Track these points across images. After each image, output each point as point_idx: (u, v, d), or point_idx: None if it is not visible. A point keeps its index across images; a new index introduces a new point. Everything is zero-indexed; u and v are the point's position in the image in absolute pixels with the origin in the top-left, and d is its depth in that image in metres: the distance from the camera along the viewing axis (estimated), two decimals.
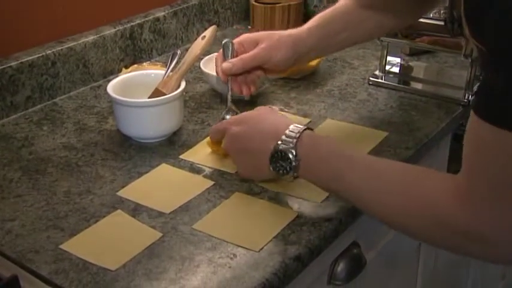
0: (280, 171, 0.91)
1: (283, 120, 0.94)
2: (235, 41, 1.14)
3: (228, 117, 1.12)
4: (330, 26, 1.13)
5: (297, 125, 0.92)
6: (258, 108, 1.01)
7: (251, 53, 1.10)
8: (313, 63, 1.39)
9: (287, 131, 0.90)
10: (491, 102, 0.69)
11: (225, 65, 1.11)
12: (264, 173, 0.95)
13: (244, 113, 1.00)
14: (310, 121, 1.21)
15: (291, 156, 0.89)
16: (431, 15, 1.28)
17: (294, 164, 0.89)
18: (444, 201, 0.76)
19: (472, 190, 0.73)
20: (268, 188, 1.00)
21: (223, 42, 1.14)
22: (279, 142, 0.90)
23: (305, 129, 0.90)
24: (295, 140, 0.89)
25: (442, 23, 1.20)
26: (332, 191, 0.92)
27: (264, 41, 1.11)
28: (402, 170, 0.85)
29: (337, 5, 1.16)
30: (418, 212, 0.79)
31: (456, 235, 0.76)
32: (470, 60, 1.26)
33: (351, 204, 0.90)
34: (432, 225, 0.78)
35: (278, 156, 0.90)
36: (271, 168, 0.92)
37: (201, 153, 1.10)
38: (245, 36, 1.14)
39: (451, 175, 0.79)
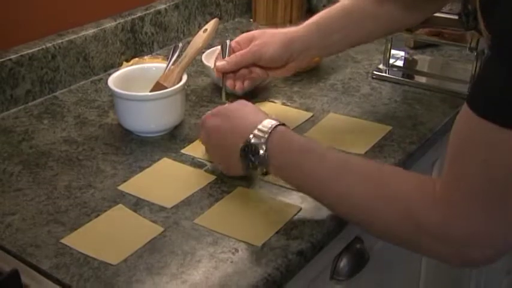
0: (250, 165, 0.91)
1: (259, 115, 0.93)
2: (234, 41, 1.15)
3: None
4: (329, 24, 1.12)
5: (271, 120, 0.91)
6: (239, 101, 1.00)
7: (244, 50, 1.11)
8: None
9: (260, 126, 0.90)
10: (485, 95, 0.69)
11: (219, 63, 1.11)
12: (237, 168, 0.95)
13: (222, 106, 1.00)
14: (313, 115, 1.21)
15: (261, 150, 0.89)
16: None
17: (263, 158, 0.89)
18: (417, 195, 0.75)
19: (451, 185, 0.73)
20: (271, 182, 1.01)
21: (222, 43, 1.15)
22: (251, 136, 0.90)
23: (278, 125, 0.90)
24: (266, 135, 0.89)
25: (455, 16, 1.20)
26: (301, 188, 0.91)
27: (258, 38, 1.11)
28: (377, 167, 0.85)
29: (340, 3, 1.15)
30: (387, 205, 0.78)
31: (422, 233, 0.75)
32: (475, 54, 1.26)
33: (322, 205, 0.89)
34: (399, 220, 0.77)
35: (248, 150, 0.90)
36: (240, 162, 0.92)
37: (200, 146, 1.11)
38: (242, 35, 1.15)
39: (430, 177, 0.78)
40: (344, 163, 0.85)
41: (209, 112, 1.01)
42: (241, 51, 1.11)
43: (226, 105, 1.01)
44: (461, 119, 0.73)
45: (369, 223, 0.83)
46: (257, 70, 1.13)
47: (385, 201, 0.78)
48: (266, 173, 0.92)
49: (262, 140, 0.89)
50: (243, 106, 0.98)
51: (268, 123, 0.90)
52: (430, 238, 0.75)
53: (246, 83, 1.14)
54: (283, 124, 0.91)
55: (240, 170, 0.94)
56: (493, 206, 0.70)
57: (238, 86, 1.13)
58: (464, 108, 0.71)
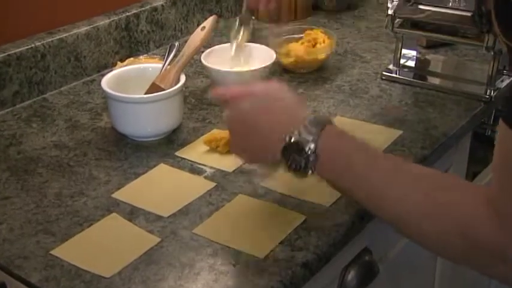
0: (293, 166, 0.84)
1: (304, 108, 0.90)
2: None
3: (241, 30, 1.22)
4: None
5: (319, 116, 0.87)
6: (278, 84, 0.92)
7: None
8: (322, 56, 1.39)
9: (307, 122, 0.84)
10: None
11: None
12: (266, 159, 0.89)
13: (259, 87, 0.92)
14: None
15: (307, 148, 0.83)
16: (450, 4, 1.28)
17: (311, 159, 0.83)
18: (471, 210, 0.74)
19: (502, 204, 0.71)
20: (274, 189, 1.01)
21: None
22: (296, 132, 0.83)
23: (327, 122, 0.86)
24: (315, 132, 0.83)
25: (468, 13, 1.21)
26: (349, 192, 0.86)
27: None
28: (432, 175, 0.83)
29: None
30: (441, 218, 0.76)
31: (478, 250, 0.74)
32: (492, 53, 1.26)
33: (366, 208, 0.86)
34: (453, 236, 0.75)
35: (292, 149, 0.84)
36: (280, 158, 0.85)
37: (199, 151, 1.12)
38: None
39: (483, 186, 0.77)
40: (397, 169, 0.83)
41: (242, 89, 0.92)
42: None
43: (264, 87, 0.92)
44: (501, 139, 0.72)
45: (420, 238, 0.82)
46: None
47: (437, 219, 0.77)
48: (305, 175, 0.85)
49: (311, 138, 0.83)
50: (284, 92, 0.91)
51: (316, 120, 0.85)
52: (488, 256, 0.74)
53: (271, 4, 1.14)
54: (330, 121, 0.87)
55: (271, 159, 0.88)
56: None
57: (263, 4, 1.14)
58: (502, 126, 0.71)
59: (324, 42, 1.41)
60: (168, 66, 1.18)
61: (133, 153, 1.12)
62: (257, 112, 0.89)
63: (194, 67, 1.41)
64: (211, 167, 1.08)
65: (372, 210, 0.85)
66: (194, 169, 1.08)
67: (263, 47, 1.38)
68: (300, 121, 0.84)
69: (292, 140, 0.84)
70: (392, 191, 0.81)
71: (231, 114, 0.92)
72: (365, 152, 0.84)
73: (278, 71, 1.40)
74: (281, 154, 0.85)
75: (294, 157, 0.84)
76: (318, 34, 1.43)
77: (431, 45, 1.49)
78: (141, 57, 1.40)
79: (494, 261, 0.74)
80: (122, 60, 1.39)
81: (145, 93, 1.16)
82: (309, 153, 0.83)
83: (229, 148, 1.09)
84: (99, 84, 1.17)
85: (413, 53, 1.45)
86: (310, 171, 0.84)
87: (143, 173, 1.07)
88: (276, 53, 1.35)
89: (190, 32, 1.33)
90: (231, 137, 0.95)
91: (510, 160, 0.71)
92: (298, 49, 1.39)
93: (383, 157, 0.86)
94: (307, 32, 1.45)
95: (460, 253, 0.77)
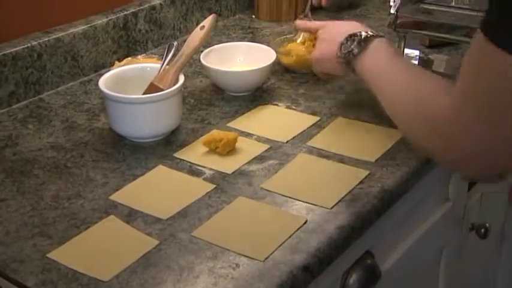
0: (344, 48, 1.10)
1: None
2: None
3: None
4: None
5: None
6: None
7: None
8: None
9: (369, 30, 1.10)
10: (495, 20, 0.76)
11: None
12: (332, 54, 1.13)
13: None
14: (320, 119, 1.22)
15: (363, 36, 1.08)
16: (453, 3, 1.29)
17: (359, 49, 1.08)
18: (442, 114, 0.86)
19: (462, 106, 0.83)
20: (274, 191, 1.01)
21: None
22: (358, 31, 1.10)
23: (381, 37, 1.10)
24: (370, 34, 1.09)
25: (472, 12, 1.21)
26: (373, 88, 1.07)
27: None
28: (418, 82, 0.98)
29: None
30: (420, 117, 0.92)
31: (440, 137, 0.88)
32: None
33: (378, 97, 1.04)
34: (418, 121, 0.92)
35: (352, 39, 1.09)
36: (339, 46, 1.11)
37: (198, 152, 1.12)
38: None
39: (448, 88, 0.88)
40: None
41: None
42: None
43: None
44: (473, 44, 0.81)
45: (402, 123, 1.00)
46: None
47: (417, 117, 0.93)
48: (350, 64, 1.11)
49: (366, 34, 1.09)
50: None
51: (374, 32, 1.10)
52: (438, 134, 0.88)
53: None
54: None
55: (335, 59, 1.13)
56: (495, 121, 0.80)
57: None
58: (479, 34, 0.78)
59: None
60: (167, 66, 1.18)
61: (131, 154, 1.13)
62: (333, 27, 1.19)
63: (193, 67, 1.42)
64: (210, 169, 1.08)
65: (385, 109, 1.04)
66: (193, 171, 1.08)
67: (263, 46, 1.38)
68: (363, 28, 1.12)
69: (352, 33, 1.10)
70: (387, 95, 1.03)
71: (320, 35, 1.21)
72: (399, 64, 1.06)
73: (279, 70, 1.40)
74: (340, 44, 1.11)
75: (349, 45, 1.10)
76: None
77: (435, 45, 1.49)
78: (139, 56, 1.40)
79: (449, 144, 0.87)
80: (119, 60, 1.39)
81: (144, 94, 1.17)
82: (361, 44, 1.08)
83: (227, 148, 1.10)
84: (97, 85, 1.17)
85: (416, 52, 1.45)
86: (352, 58, 1.09)
87: (141, 175, 1.07)
88: (277, 52, 1.35)
89: (189, 31, 1.33)
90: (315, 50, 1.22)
91: (475, 62, 0.81)
92: (299, 48, 1.39)
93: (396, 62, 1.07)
94: None
95: (421, 136, 0.93)
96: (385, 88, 1.02)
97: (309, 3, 1.43)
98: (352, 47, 1.09)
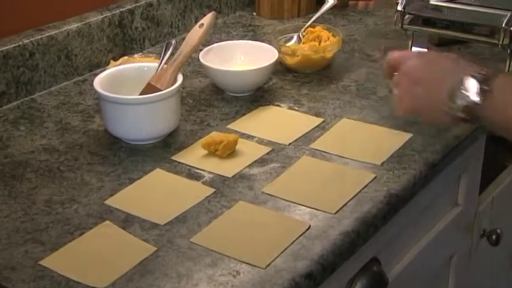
0: (459, 99, 0.91)
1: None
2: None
3: None
4: None
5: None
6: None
7: None
8: (329, 55, 1.40)
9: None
10: None
11: None
12: (440, 97, 0.95)
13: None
14: (324, 121, 1.22)
15: (477, 82, 0.89)
16: None
17: (485, 87, 0.88)
18: None
19: None
20: (276, 196, 1.02)
21: None
22: (466, 75, 0.91)
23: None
24: (484, 72, 0.91)
25: (482, 9, 1.21)
26: None
27: None
28: None
29: None
30: None
31: None
32: (508, 51, 1.27)
33: None
34: None
35: (460, 83, 0.91)
36: (447, 94, 0.92)
37: (197, 155, 1.12)
38: None
39: None
40: None
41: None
42: None
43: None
44: None
45: None
46: None
47: None
48: (473, 112, 0.91)
49: (481, 75, 0.90)
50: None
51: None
52: None
53: None
54: None
55: (443, 110, 0.95)
56: None
57: None
58: None
59: (328, 39, 1.42)
60: (165, 66, 1.19)
61: (127, 157, 1.13)
62: (427, 64, 1.00)
63: (192, 66, 1.42)
64: (209, 172, 1.08)
65: None
66: (192, 174, 1.08)
67: (265, 44, 1.39)
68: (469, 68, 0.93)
69: (466, 75, 0.91)
70: None
71: (404, 70, 1.02)
72: None
73: (281, 70, 1.40)
74: (451, 92, 0.92)
75: (461, 92, 0.90)
76: (322, 32, 1.44)
77: (443, 43, 1.49)
78: (135, 55, 1.41)
79: None
80: (115, 59, 1.40)
81: (141, 94, 1.17)
82: (483, 80, 0.89)
83: (227, 151, 1.10)
84: (91, 85, 1.18)
85: (425, 51, 1.45)
86: (480, 100, 0.89)
87: (138, 179, 1.07)
88: (279, 52, 1.35)
89: (187, 29, 1.34)
90: (404, 95, 1.02)
91: None
92: (303, 48, 1.39)
93: None
94: (309, 29, 1.46)
95: None
96: None
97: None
98: (470, 95, 0.90)
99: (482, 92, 0.88)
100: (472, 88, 0.89)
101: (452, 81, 0.92)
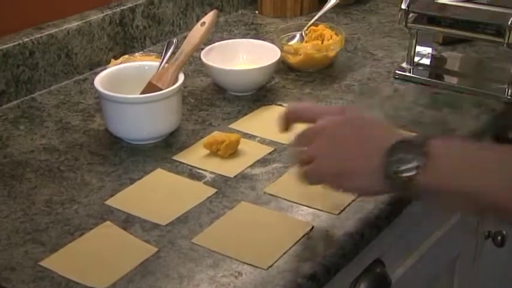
0: (397, 167, 0.81)
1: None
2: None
3: None
4: None
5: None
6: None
7: None
8: (332, 54, 1.40)
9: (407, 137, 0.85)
10: None
11: None
12: (363, 171, 0.85)
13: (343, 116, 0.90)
14: None
15: (419, 145, 0.81)
16: None
17: (422, 158, 0.80)
18: None
19: None
20: (278, 196, 1.02)
21: None
22: (400, 139, 0.83)
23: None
24: (422, 140, 0.82)
25: (488, 8, 1.21)
26: (473, 193, 0.80)
27: None
28: None
29: None
30: None
31: None
32: None
33: (499, 204, 0.80)
34: None
35: (400, 147, 0.81)
36: (385, 162, 0.81)
37: (199, 155, 1.12)
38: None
39: None
40: None
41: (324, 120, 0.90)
42: None
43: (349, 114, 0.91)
44: None
45: None
46: None
47: None
48: (415, 183, 0.81)
49: (420, 138, 0.83)
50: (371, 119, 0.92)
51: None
52: None
53: None
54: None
55: (374, 181, 0.84)
56: None
57: None
58: None
59: (331, 38, 1.42)
60: (166, 65, 1.19)
61: (128, 157, 1.13)
62: (351, 121, 0.89)
63: (193, 65, 1.42)
64: (211, 172, 1.08)
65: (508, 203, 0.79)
66: (193, 174, 1.08)
67: (267, 43, 1.39)
68: (399, 135, 0.85)
69: (400, 139, 0.83)
70: None
71: (321, 125, 0.89)
72: (484, 149, 0.84)
73: (283, 69, 1.41)
74: (385, 155, 0.82)
75: (400, 157, 0.81)
76: (325, 30, 1.44)
77: (448, 42, 1.50)
78: (136, 54, 1.41)
79: None
80: (116, 58, 1.40)
81: (141, 93, 1.17)
82: (420, 150, 0.80)
83: (229, 151, 1.09)
84: (92, 84, 1.18)
85: (429, 50, 1.45)
86: (416, 173, 0.80)
87: (139, 179, 1.07)
88: (282, 50, 1.36)
89: (189, 28, 1.34)
90: (320, 155, 0.89)
91: None
92: (306, 46, 1.40)
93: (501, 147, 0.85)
94: (312, 28, 1.46)
95: None
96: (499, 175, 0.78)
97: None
98: (410, 162, 0.80)
99: (422, 155, 0.80)
100: (411, 151, 0.81)
101: (388, 143, 0.82)
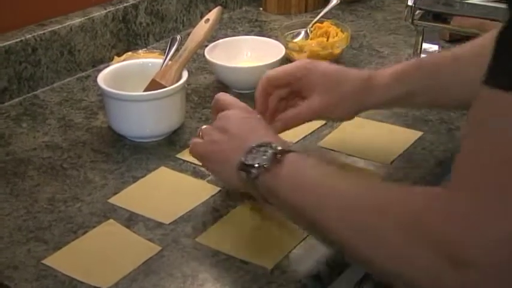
0: (251, 163, 0.86)
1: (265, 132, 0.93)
2: (269, 75, 1.06)
3: None
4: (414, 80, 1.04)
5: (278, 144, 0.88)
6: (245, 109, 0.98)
7: (302, 111, 1.05)
8: (338, 51, 1.40)
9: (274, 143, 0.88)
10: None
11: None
12: (229, 161, 0.90)
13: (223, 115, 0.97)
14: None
15: (275, 152, 0.85)
16: None
17: (271, 162, 0.85)
18: (416, 205, 0.70)
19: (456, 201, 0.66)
20: None
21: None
22: (251, 153, 0.87)
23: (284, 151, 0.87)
24: (283, 149, 0.87)
25: (495, 4, 1.21)
26: (294, 207, 0.84)
27: (316, 91, 1.04)
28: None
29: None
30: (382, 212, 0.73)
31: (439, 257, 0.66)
32: None
33: (310, 219, 0.82)
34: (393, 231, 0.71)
35: (260, 149, 0.87)
36: (242, 157, 0.87)
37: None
38: (287, 68, 1.07)
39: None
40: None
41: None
42: (297, 114, 1.06)
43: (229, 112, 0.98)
44: (475, 109, 0.67)
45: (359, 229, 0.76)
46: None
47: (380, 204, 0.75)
48: (255, 179, 0.86)
49: (278, 149, 0.86)
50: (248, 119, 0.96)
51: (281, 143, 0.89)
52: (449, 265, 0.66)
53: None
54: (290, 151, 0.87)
55: (229, 173, 0.90)
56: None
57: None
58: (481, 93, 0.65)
59: (336, 35, 1.42)
60: (169, 62, 1.19)
61: (131, 155, 1.13)
62: (242, 118, 0.95)
63: (197, 62, 1.42)
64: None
65: (315, 219, 0.81)
66: (197, 172, 1.08)
67: (271, 40, 1.39)
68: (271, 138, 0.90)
69: (266, 142, 0.87)
70: (339, 185, 0.81)
71: (221, 115, 0.97)
72: (328, 175, 0.84)
73: None
74: (245, 151, 0.87)
75: (256, 156, 0.86)
76: (330, 27, 1.44)
77: (455, 39, 1.49)
78: (139, 51, 1.41)
79: (440, 262, 0.65)
80: (119, 55, 1.40)
81: (145, 91, 1.17)
82: (275, 156, 0.85)
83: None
84: (95, 81, 1.18)
85: (435, 47, 1.45)
86: (259, 172, 0.85)
87: (142, 177, 1.08)
88: (286, 47, 1.36)
89: (193, 25, 1.34)
90: (207, 135, 0.97)
91: (483, 125, 0.65)
92: (311, 44, 1.40)
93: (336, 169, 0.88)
94: (317, 25, 1.46)
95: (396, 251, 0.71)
96: (323, 200, 0.80)
97: None
98: (263, 158, 0.85)
99: (273, 160, 0.85)
100: (266, 153, 0.85)
101: (252, 142, 0.88)
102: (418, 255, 0.68)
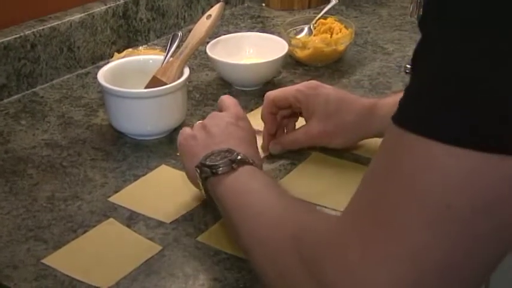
0: (207, 164, 0.90)
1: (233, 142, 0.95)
2: (274, 97, 1.10)
3: None
4: None
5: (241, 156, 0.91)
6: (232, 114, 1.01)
7: (300, 137, 1.11)
8: (342, 47, 1.41)
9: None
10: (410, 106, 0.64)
11: (273, 146, 1.12)
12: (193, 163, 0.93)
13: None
14: None
15: (233, 160, 0.89)
16: None
17: (224, 169, 0.88)
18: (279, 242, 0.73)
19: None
20: None
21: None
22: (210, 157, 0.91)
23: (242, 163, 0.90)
24: (242, 160, 0.90)
25: None
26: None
27: (316, 117, 1.09)
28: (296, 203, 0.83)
29: None
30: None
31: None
32: None
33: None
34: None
35: (222, 155, 0.90)
36: (202, 158, 0.91)
37: None
38: (286, 92, 1.11)
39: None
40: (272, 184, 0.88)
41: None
42: (293, 137, 1.12)
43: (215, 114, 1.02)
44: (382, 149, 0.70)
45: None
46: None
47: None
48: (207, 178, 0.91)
49: (238, 159, 0.89)
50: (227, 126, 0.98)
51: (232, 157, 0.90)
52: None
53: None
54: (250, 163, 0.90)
55: (193, 171, 0.93)
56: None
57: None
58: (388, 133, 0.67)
59: (340, 32, 1.42)
60: (171, 58, 1.19)
61: (132, 153, 1.14)
62: (225, 125, 0.98)
63: (199, 59, 1.43)
64: None
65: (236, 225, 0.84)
66: None
67: (274, 37, 1.39)
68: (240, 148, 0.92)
69: (230, 149, 0.91)
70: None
71: (211, 115, 1.02)
72: (257, 191, 0.86)
73: (291, 63, 1.41)
74: (208, 153, 0.91)
75: (216, 159, 0.90)
76: (334, 23, 1.44)
77: None
78: (140, 48, 1.42)
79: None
80: (119, 51, 1.41)
81: (146, 88, 1.18)
82: (231, 164, 0.88)
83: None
84: (95, 78, 1.18)
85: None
86: (208, 175, 0.89)
87: (143, 175, 1.08)
88: (289, 44, 1.36)
89: (194, 21, 1.34)
90: (189, 133, 1.00)
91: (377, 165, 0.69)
92: (314, 40, 1.40)
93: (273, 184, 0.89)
94: (321, 21, 1.46)
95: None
96: (245, 209, 0.84)
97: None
98: (219, 163, 0.89)
99: (227, 167, 0.88)
100: (224, 159, 0.89)
101: (221, 146, 0.92)
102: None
